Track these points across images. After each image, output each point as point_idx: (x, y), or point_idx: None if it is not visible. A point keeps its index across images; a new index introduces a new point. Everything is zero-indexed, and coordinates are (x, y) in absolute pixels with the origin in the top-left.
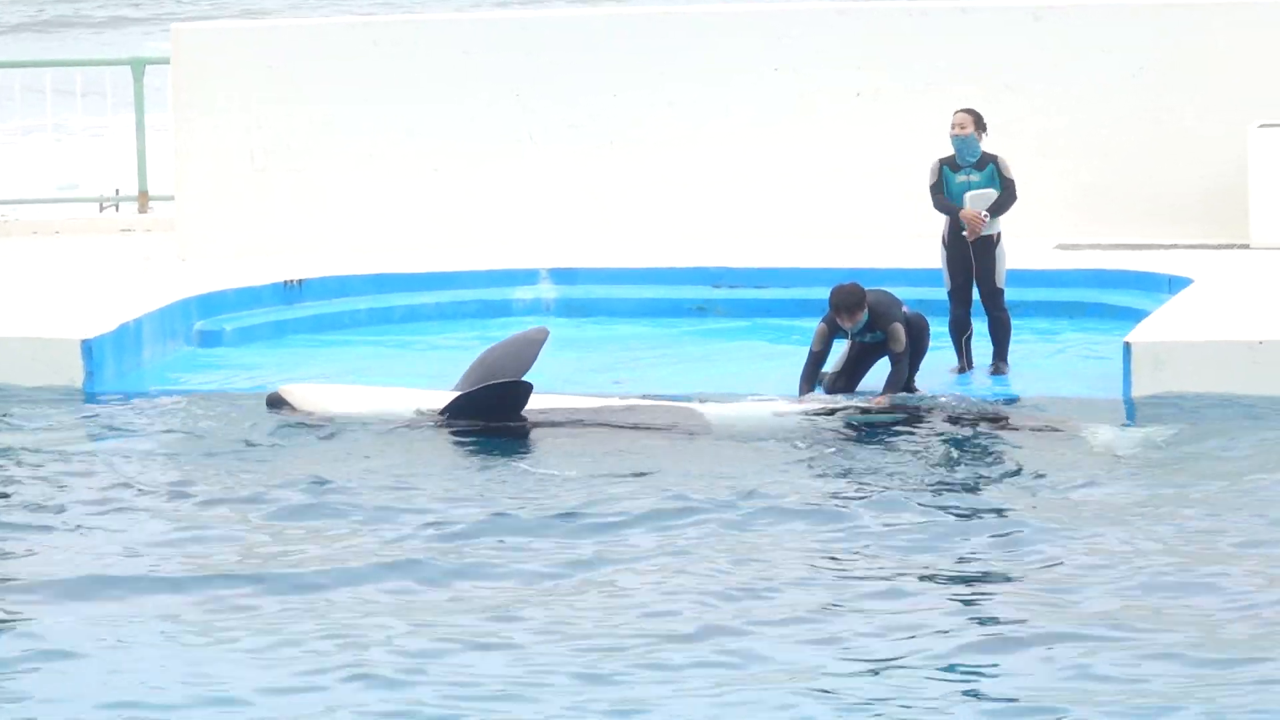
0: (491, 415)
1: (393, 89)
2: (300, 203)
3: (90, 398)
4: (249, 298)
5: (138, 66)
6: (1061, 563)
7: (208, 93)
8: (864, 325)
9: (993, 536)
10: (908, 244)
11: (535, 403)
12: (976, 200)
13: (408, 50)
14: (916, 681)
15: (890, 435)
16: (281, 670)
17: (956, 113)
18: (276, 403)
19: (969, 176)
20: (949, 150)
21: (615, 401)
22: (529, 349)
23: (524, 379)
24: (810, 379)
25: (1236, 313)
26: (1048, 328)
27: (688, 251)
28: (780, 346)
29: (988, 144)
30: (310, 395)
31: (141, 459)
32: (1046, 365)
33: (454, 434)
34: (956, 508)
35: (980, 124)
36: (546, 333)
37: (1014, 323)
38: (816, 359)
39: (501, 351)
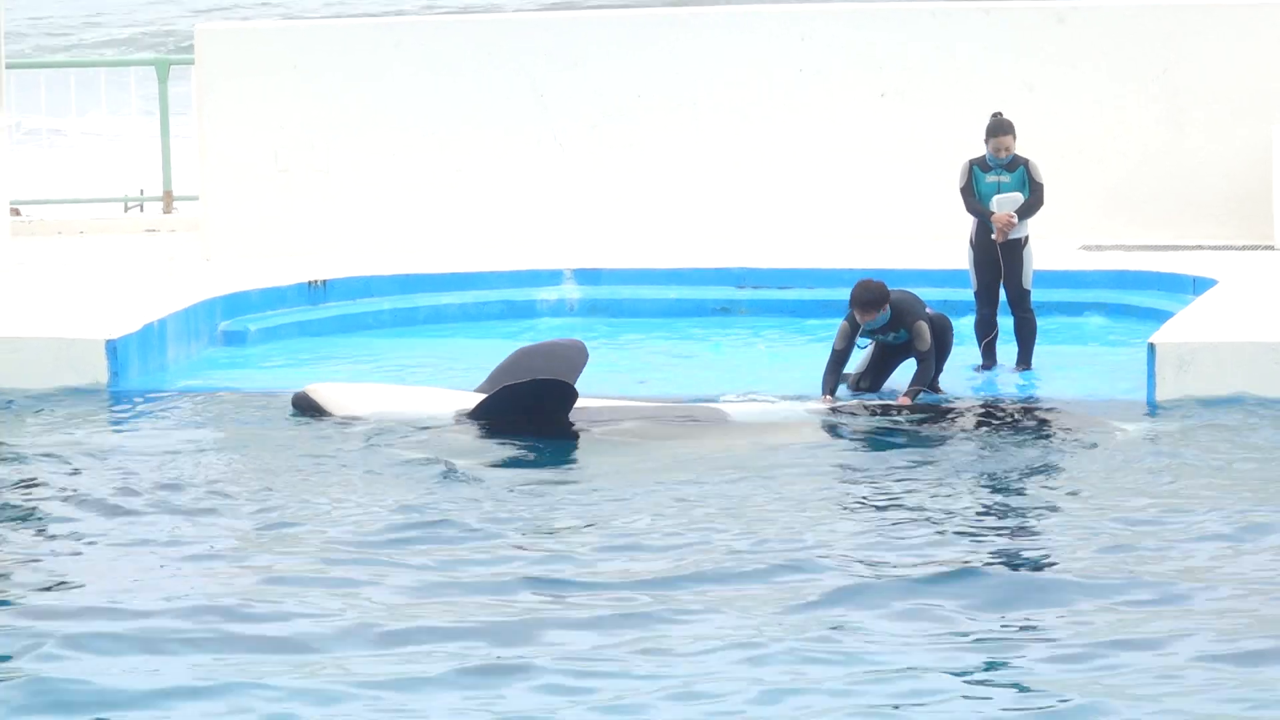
0: (531, 412)
1: (416, 89)
2: (324, 203)
3: (114, 398)
4: (273, 298)
5: (162, 67)
6: (1088, 563)
7: (232, 93)
8: (886, 324)
9: (1019, 536)
10: (932, 244)
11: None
12: (1004, 203)
13: (431, 51)
14: (943, 682)
15: (916, 436)
16: (303, 673)
17: (998, 136)
18: (303, 402)
19: (1000, 178)
20: (976, 150)
21: (641, 403)
22: (570, 370)
23: (569, 383)
24: (833, 378)
25: (1261, 314)
26: (1072, 328)
27: (711, 252)
28: (804, 347)
29: (1016, 145)
30: (337, 395)
31: (165, 459)
32: (1070, 366)
33: (482, 436)
34: (983, 508)
35: (1014, 133)
36: (586, 355)
37: (1038, 323)
38: (839, 357)
39: (542, 362)
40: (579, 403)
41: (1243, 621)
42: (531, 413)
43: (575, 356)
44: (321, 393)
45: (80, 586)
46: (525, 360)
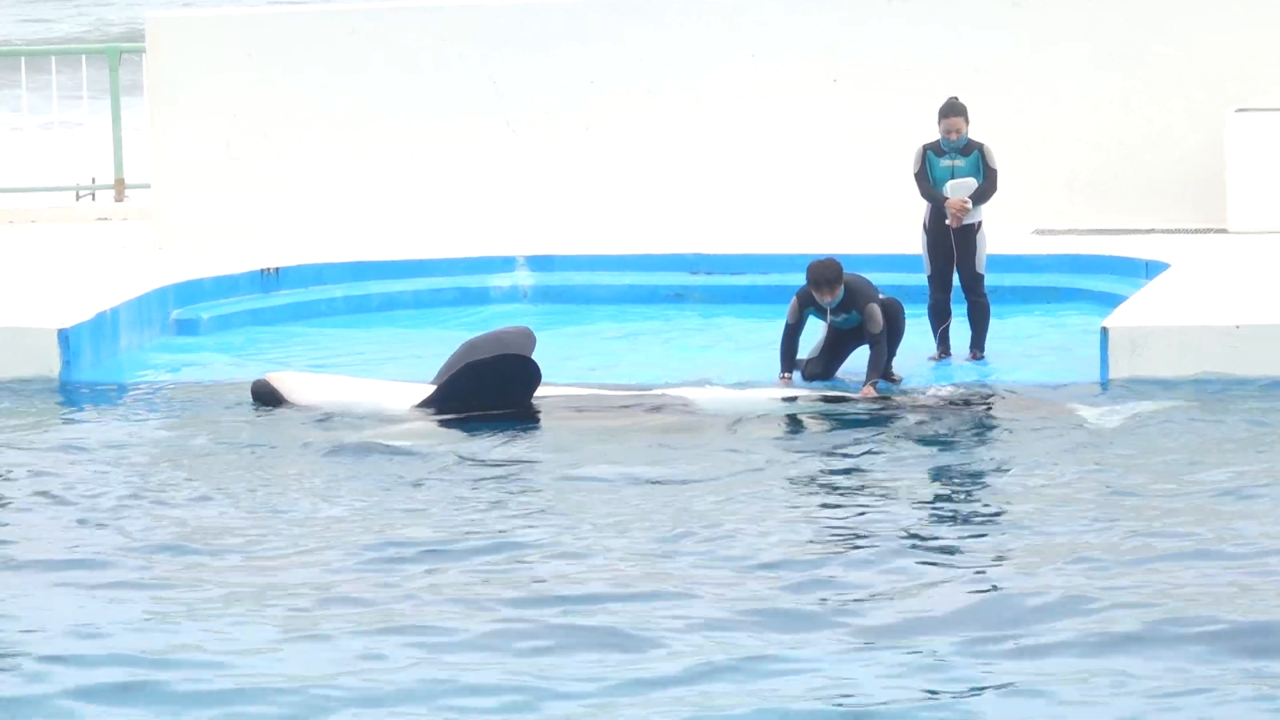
0: (494, 392)
1: (369, 76)
2: (277, 191)
3: (67, 387)
4: (226, 286)
5: (113, 54)
6: (1045, 545)
7: (184, 81)
8: (839, 304)
9: (978, 520)
10: (885, 229)
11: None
12: (957, 189)
13: (384, 38)
14: (908, 671)
15: (875, 424)
16: (257, 670)
17: (950, 118)
18: (262, 390)
19: (954, 162)
20: (929, 136)
21: (604, 390)
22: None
23: (533, 360)
24: (789, 355)
25: (1213, 297)
26: (1025, 313)
27: (665, 238)
28: (757, 333)
29: (970, 130)
30: (297, 384)
31: (118, 448)
32: (1024, 351)
33: (444, 427)
34: (942, 497)
35: (967, 116)
36: (534, 340)
37: (991, 308)
38: (792, 332)
39: (491, 350)
40: (540, 390)
41: (1204, 608)
42: (495, 392)
43: (523, 342)
44: (281, 381)
45: (27, 578)
46: (473, 352)
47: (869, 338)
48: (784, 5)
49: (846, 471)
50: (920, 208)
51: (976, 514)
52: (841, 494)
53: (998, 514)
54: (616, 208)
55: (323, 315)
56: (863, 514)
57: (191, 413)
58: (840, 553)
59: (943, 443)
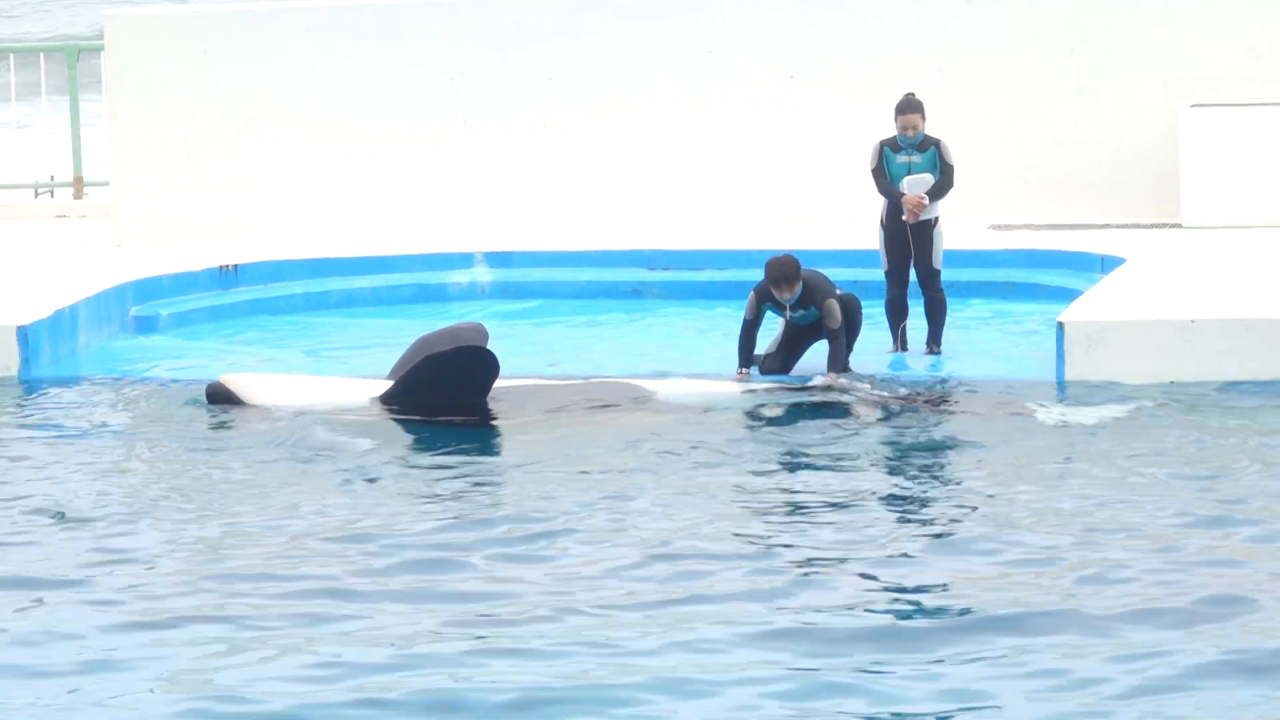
0: (453, 385)
1: (326, 74)
2: (235, 188)
3: (26, 384)
4: (185, 283)
5: (71, 52)
6: (999, 544)
7: (142, 78)
8: (797, 300)
9: (933, 516)
10: (842, 225)
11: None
12: (914, 185)
13: (341, 35)
14: (866, 669)
15: (832, 417)
16: (209, 677)
17: (907, 114)
18: (218, 392)
19: (910, 158)
20: (886, 132)
21: (562, 382)
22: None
23: (491, 351)
24: (747, 351)
25: (1169, 292)
26: (981, 308)
27: (623, 234)
28: (716, 329)
29: (927, 126)
30: (252, 385)
31: (77, 446)
32: (980, 346)
33: (403, 423)
34: (896, 490)
35: (924, 112)
36: (487, 335)
37: (948, 303)
38: (750, 327)
39: (442, 344)
40: (499, 382)
41: (1155, 607)
42: (454, 385)
43: (477, 338)
44: (236, 383)
45: None
46: (428, 347)
47: (827, 333)
48: (741, 2)
49: (803, 466)
50: (877, 203)
51: (931, 510)
52: (797, 489)
53: (953, 510)
54: (575, 204)
55: (282, 312)
56: (819, 509)
57: (150, 410)
58: (797, 548)
59: (898, 439)
